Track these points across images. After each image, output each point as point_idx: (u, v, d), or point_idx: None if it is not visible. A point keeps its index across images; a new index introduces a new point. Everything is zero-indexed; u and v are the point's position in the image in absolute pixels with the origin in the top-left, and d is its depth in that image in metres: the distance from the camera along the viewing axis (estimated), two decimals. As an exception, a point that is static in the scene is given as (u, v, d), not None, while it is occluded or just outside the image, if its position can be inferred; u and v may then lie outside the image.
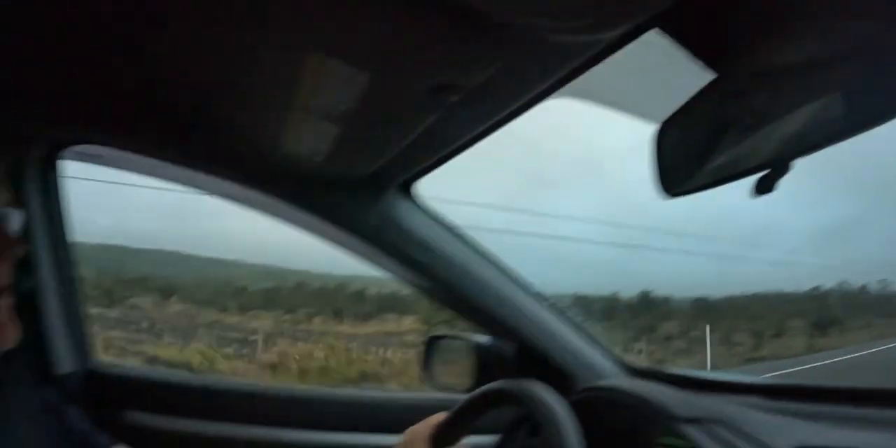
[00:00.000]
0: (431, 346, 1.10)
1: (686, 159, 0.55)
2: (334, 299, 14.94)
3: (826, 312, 15.90)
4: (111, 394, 1.01)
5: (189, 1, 0.52)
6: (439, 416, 0.84)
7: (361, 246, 0.92)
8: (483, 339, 1.06)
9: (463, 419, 0.83)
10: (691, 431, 0.68)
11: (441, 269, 0.91)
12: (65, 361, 0.95)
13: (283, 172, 0.85)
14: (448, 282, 0.92)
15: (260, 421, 1.03)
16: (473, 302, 0.94)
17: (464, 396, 0.78)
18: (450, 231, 0.94)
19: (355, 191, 0.87)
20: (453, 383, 1.07)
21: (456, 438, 0.84)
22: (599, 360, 1.00)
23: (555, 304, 1.02)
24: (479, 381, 0.99)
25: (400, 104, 0.66)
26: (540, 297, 1.01)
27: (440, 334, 1.10)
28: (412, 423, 1.00)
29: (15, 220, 0.60)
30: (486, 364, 1.03)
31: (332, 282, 15.74)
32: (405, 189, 0.91)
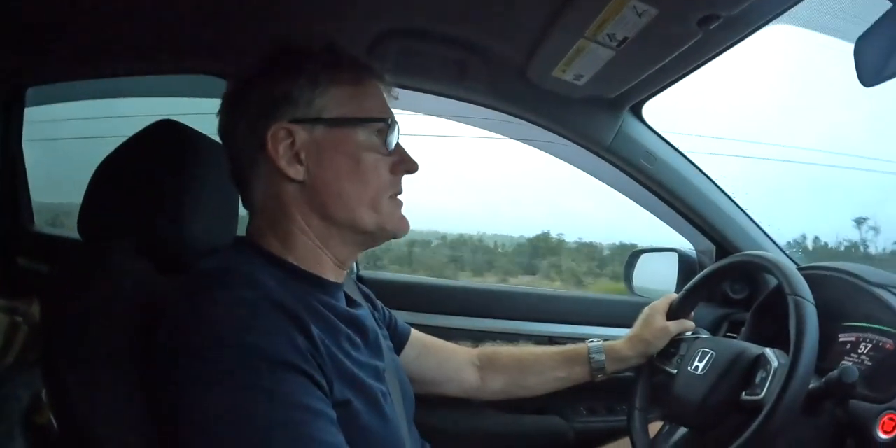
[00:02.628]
0: (633, 259, 1.26)
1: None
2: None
3: None
4: None
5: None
6: (673, 296, 1.01)
7: (592, 159, 1.11)
8: (683, 249, 1.22)
9: (697, 293, 0.99)
10: (880, 292, 0.84)
11: (662, 176, 1.09)
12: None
13: (542, 94, 1.00)
14: (667, 187, 1.10)
15: (485, 314, 1.21)
16: (686, 203, 1.12)
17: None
18: (668, 145, 1.10)
19: (595, 111, 1.04)
20: (654, 290, 1.24)
21: (687, 312, 1.00)
22: (781, 256, 1.15)
23: (743, 209, 1.18)
24: (682, 285, 1.10)
25: (669, 33, 0.78)
26: (734, 202, 1.16)
27: (642, 249, 1.27)
28: (615, 319, 1.19)
29: None
30: (688, 269, 1.19)
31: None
32: (634, 111, 1.07)
